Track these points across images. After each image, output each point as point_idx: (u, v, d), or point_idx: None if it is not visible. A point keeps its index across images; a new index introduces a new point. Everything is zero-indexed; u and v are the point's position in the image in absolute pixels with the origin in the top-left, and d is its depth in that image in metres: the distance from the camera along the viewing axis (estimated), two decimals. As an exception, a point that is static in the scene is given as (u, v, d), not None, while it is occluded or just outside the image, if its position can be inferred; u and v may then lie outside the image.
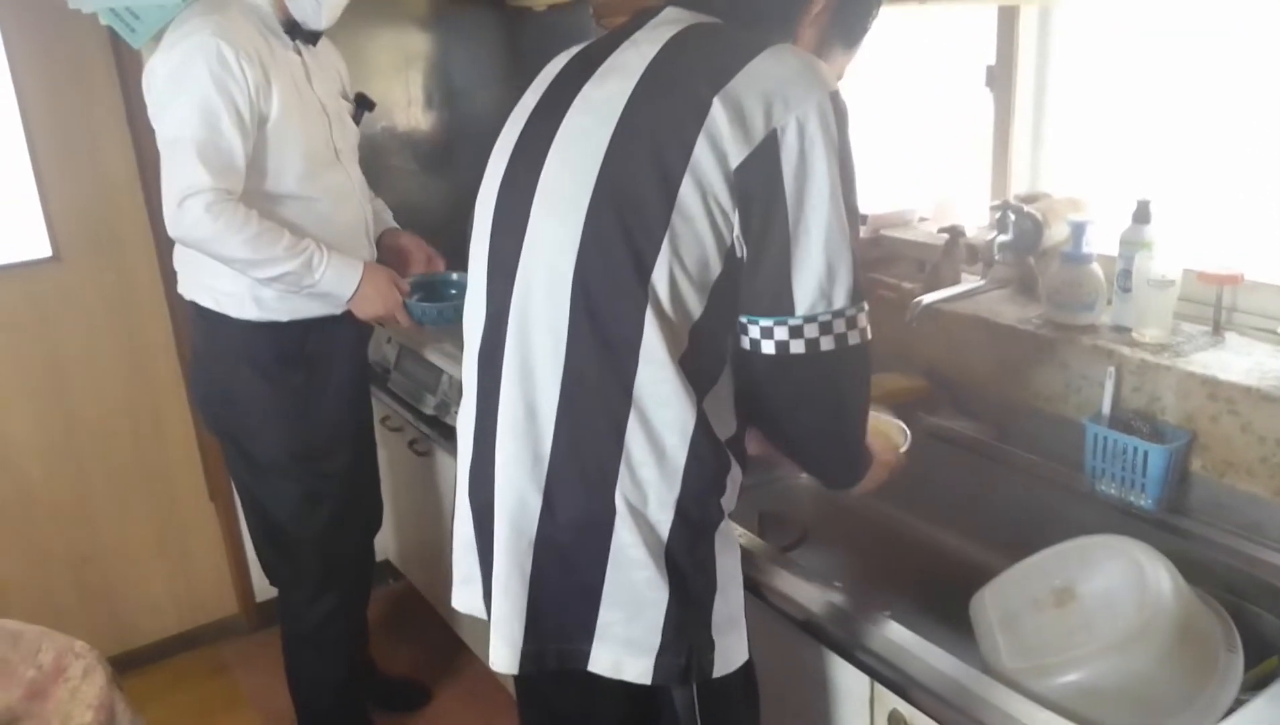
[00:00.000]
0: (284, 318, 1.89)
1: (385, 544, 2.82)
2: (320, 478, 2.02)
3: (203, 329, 1.96)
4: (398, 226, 2.18)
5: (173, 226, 1.73)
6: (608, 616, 1.11)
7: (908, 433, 1.46)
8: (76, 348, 2.45)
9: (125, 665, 2.33)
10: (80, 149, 2.36)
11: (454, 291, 2.10)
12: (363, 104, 2.08)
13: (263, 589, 2.79)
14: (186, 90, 1.69)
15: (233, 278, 1.82)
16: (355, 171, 2.00)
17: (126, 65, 2.33)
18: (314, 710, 2.20)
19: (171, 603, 2.69)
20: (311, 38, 1.91)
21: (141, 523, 2.61)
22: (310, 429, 1.98)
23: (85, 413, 2.49)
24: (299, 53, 1.87)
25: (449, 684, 2.52)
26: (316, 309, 1.90)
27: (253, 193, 1.77)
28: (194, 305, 1.93)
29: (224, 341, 1.92)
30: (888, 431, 1.46)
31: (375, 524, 2.32)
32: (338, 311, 1.91)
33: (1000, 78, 1.85)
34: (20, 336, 2.38)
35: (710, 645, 1.12)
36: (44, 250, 2.38)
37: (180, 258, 1.93)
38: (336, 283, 1.83)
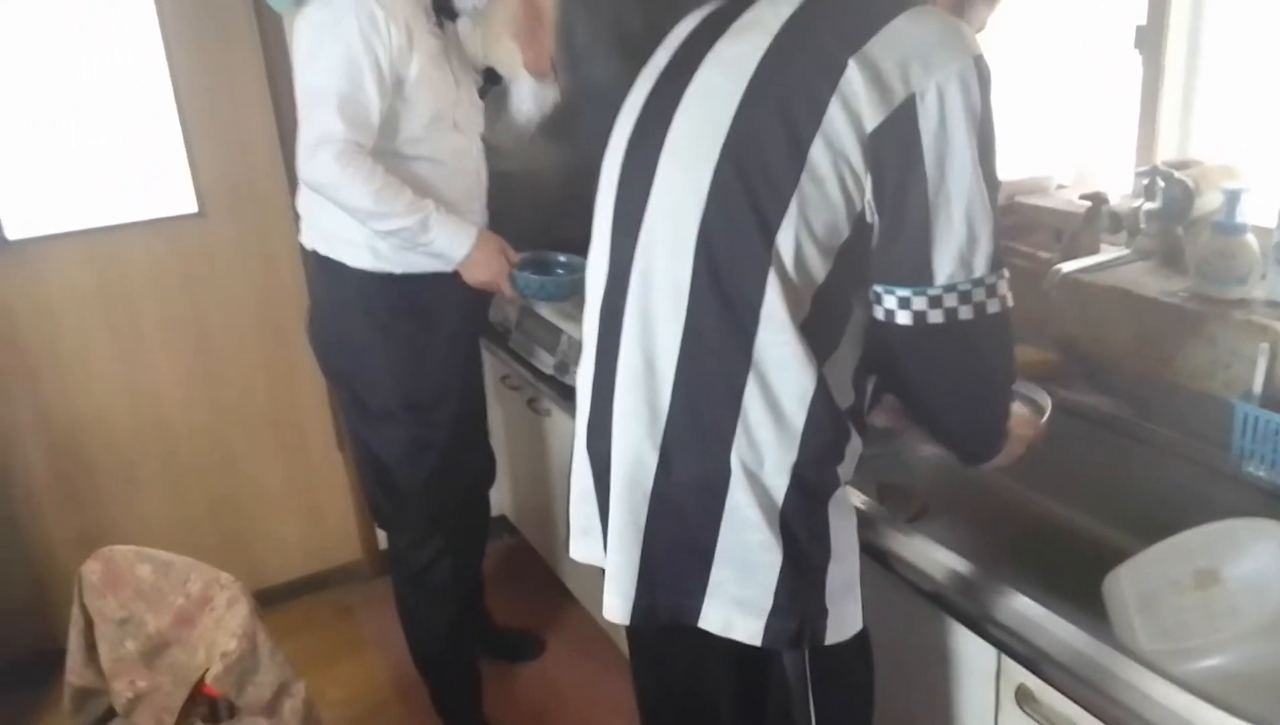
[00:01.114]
0: (398, 270, 1.94)
1: (501, 500, 2.89)
2: (428, 427, 2.06)
3: (321, 278, 2.04)
4: None
5: (303, 169, 1.80)
6: (719, 575, 1.11)
7: (1048, 402, 1.42)
8: (217, 301, 2.57)
9: (259, 604, 2.45)
10: (224, 109, 2.46)
11: (560, 270, 2.15)
12: (490, 79, 2.12)
13: (385, 537, 2.90)
14: (336, 42, 1.75)
15: (353, 227, 1.87)
16: (476, 143, 2.04)
17: (268, 29, 2.42)
18: (424, 653, 2.26)
19: (300, 547, 2.82)
20: (453, 15, 1.98)
21: (274, 470, 2.74)
22: (420, 378, 2.03)
23: (224, 363, 2.61)
24: (441, 26, 1.94)
25: (560, 639, 2.58)
26: (429, 265, 1.94)
27: (381, 148, 1.83)
28: (314, 254, 2.01)
29: (341, 290, 1.98)
30: (1028, 406, 1.43)
31: (487, 477, 2.36)
32: (448, 269, 1.96)
33: (1150, 38, 1.76)
34: (166, 289, 2.50)
35: (824, 612, 1.11)
36: (190, 206, 2.49)
37: (304, 206, 2.00)
38: (449, 244, 1.88)
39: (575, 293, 2.06)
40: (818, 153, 1.01)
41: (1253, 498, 1.41)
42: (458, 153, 1.96)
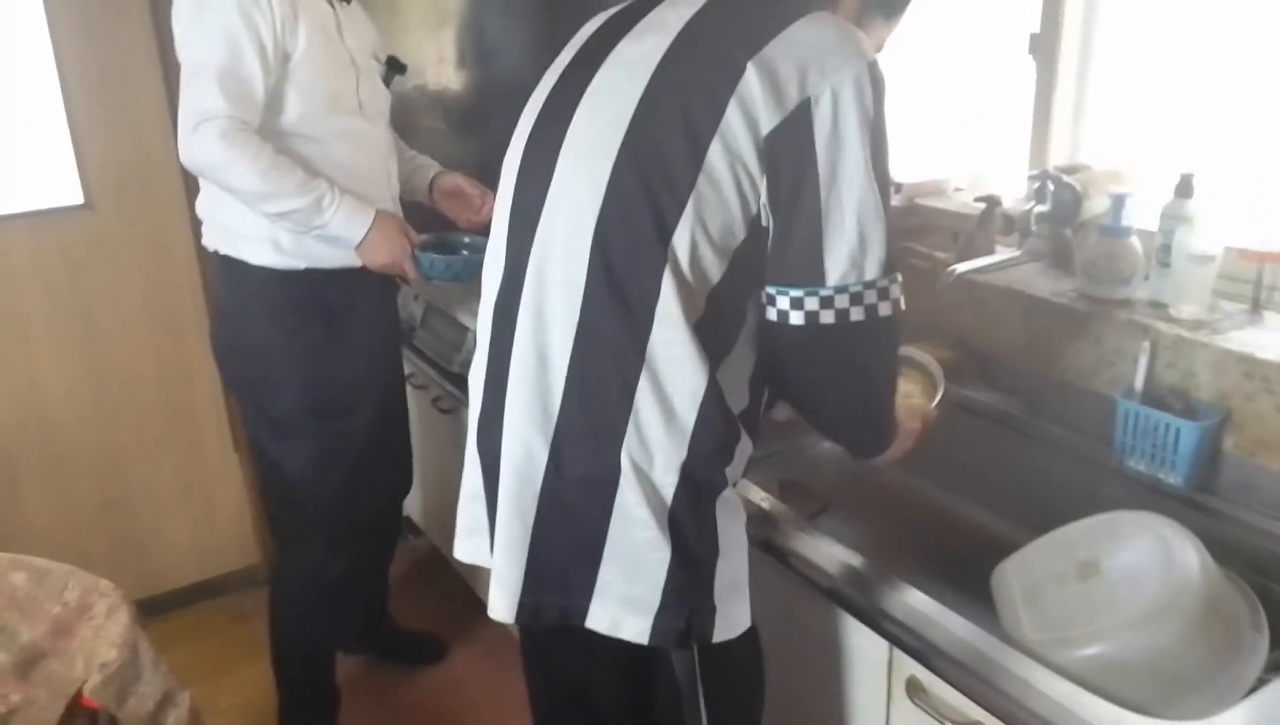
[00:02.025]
0: (301, 265, 1.86)
1: (407, 501, 2.83)
2: (338, 437, 1.98)
3: (223, 279, 1.96)
4: (443, 168, 2.17)
5: (185, 151, 1.72)
6: (608, 574, 1.11)
7: (942, 379, 1.45)
8: (107, 295, 2.47)
9: (147, 611, 2.33)
10: (113, 95, 2.36)
11: (465, 250, 2.06)
12: (394, 67, 2.05)
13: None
14: (213, 16, 1.69)
15: (251, 220, 1.80)
16: (382, 129, 1.97)
17: (161, 9, 2.32)
18: (290, 671, 2.16)
19: (194, 551, 2.73)
20: None
21: (166, 471, 2.64)
22: (329, 385, 1.95)
23: (113, 360, 2.51)
24: (332, 5, 1.86)
25: (465, 642, 2.54)
26: (334, 257, 1.87)
27: (270, 128, 1.76)
28: (215, 255, 1.92)
29: (243, 290, 1.91)
30: (921, 381, 1.45)
31: (402, 489, 2.29)
32: (353, 261, 1.88)
33: (1044, 45, 1.81)
34: (52, 283, 2.39)
35: (712, 610, 1.12)
36: (76, 197, 2.39)
37: (202, 206, 1.92)
38: (345, 226, 1.80)
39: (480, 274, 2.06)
40: (715, 154, 1.02)
41: (1134, 491, 1.47)
42: (359, 138, 1.88)
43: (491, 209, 2.02)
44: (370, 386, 2.02)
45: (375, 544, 2.25)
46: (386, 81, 2.01)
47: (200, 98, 1.68)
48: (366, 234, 1.82)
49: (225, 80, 1.67)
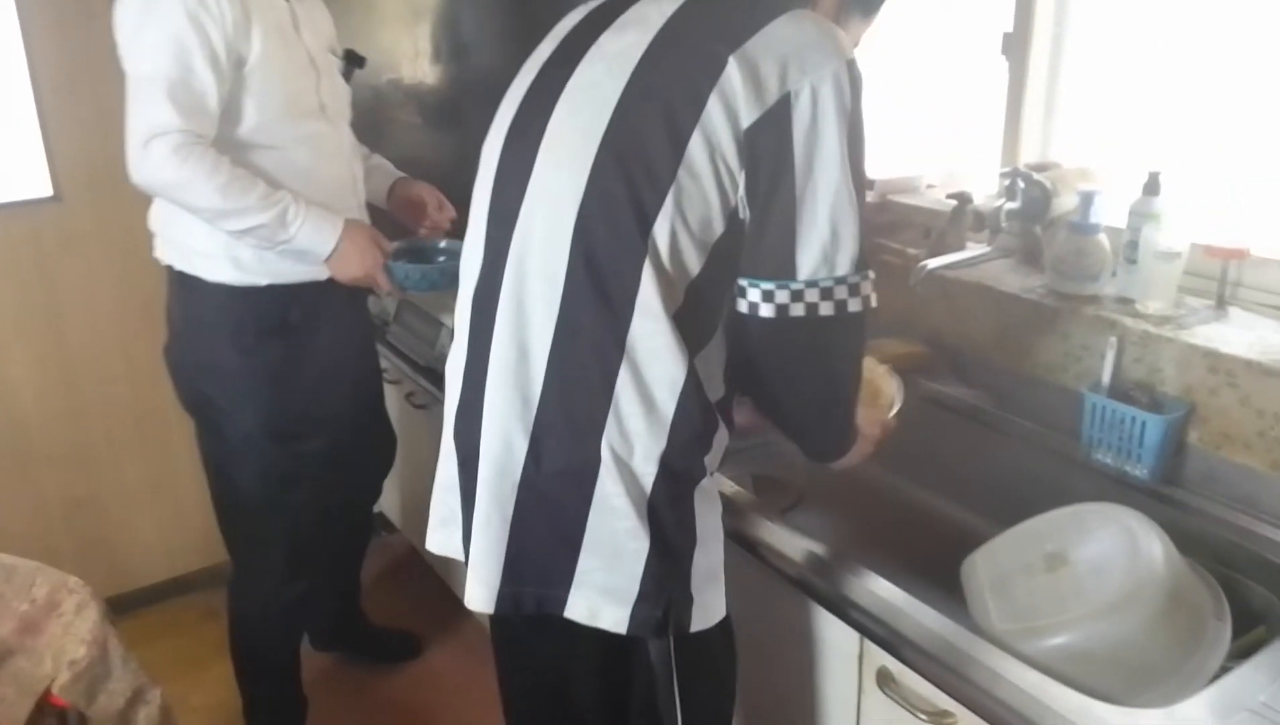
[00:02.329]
0: (263, 281, 1.76)
1: (381, 497, 2.82)
2: (297, 458, 1.89)
3: (179, 295, 1.85)
4: (406, 176, 2.10)
5: (135, 170, 1.62)
6: (587, 563, 1.11)
7: (901, 388, 1.46)
8: (75, 289, 2.44)
9: (118, 608, 2.32)
10: (84, 88, 2.33)
11: (441, 257, 1.97)
12: (353, 60, 1.94)
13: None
14: (158, 24, 1.58)
15: (208, 236, 1.70)
16: (344, 130, 1.88)
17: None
18: (255, 689, 2.12)
19: (164, 548, 2.70)
20: None
21: (136, 468, 2.61)
22: (289, 407, 1.86)
23: (82, 356, 2.48)
24: (287, 1, 1.76)
25: (441, 639, 2.53)
26: (298, 272, 1.77)
27: (227, 139, 1.66)
28: (169, 270, 1.82)
29: (200, 308, 1.80)
30: (880, 387, 1.46)
31: (373, 497, 2.23)
32: (319, 275, 1.78)
33: (1016, 45, 1.83)
34: (19, 276, 2.36)
35: (689, 600, 1.12)
36: (45, 190, 2.36)
37: (155, 218, 1.82)
38: (313, 239, 1.70)
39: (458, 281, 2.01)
40: (696, 147, 1.03)
41: (1101, 483, 1.49)
42: (321, 142, 1.79)
43: (449, 217, 2.00)
44: (335, 405, 1.93)
45: (344, 549, 2.22)
46: (346, 77, 1.92)
47: (150, 112, 1.58)
48: (336, 246, 1.72)
49: (176, 92, 1.57)
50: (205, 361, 1.84)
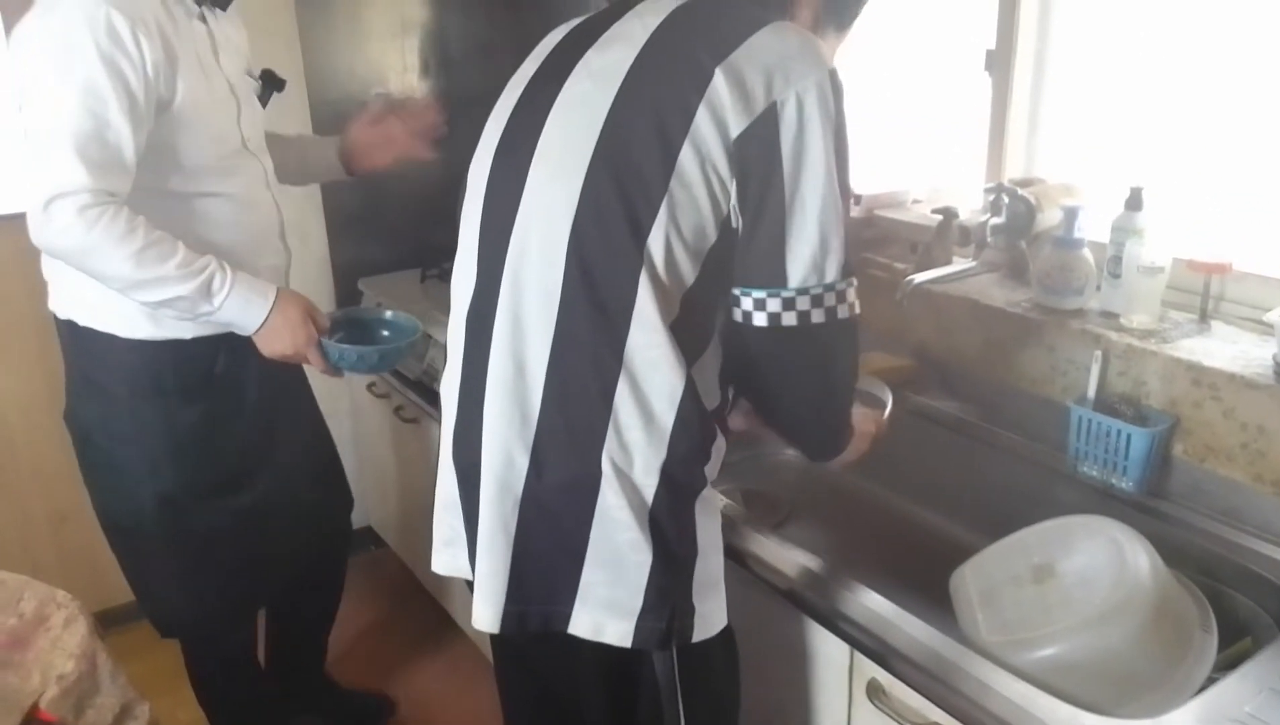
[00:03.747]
0: (188, 335, 1.59)
1: (367, 510, 2.82)
2: (223, 514, 1.75)
3: (83, 351, 1.65)
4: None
5: (36, 233, 1.43)
6: (590, 577, 1.12)
7: (889, 397, 1.47)
8: (63, 303, 2.43)
9: (106, 622, 2.30)
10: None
11: (386, 332, 1.81)
12: (270, 83, 1.77)
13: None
14: (67, 69, 1.38)
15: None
16: (267, 162, 1.71)
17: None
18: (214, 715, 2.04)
19: (152, 563, 2.68)
20: (221, 1, 1.63)
21: (124, 482, 2.59)
22: (215, 463, 1.72)
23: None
24: (205, 21, 1.59)
25: (429, 654, 2.53)
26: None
27: (146, 190, 1.49)
28: (69, 324, 1.63)
29: (112, 366, 1.62)
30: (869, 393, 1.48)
31: (330, 544, 2.07)
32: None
33: (999, 62, 1.85)
34: (4, 290, 2.35)
35: (691, 610, 1.13)
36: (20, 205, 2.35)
37: (49, 267, 1.63)
38: (240, 312, 1.54)
39: (401, 361, 1.85)
40: (686, 158, 1.04)
41: (1087, 496, 1.50)
42: (251, 178, 1.65)
43: (435, 117, 1.89)
44: (270, 455, 1.79)
45: (308, 612, 2.12)
46: (263, 101, 1.76)
47: (54, 168, 1.38)
48: (266, 319, 1.56)
49: (86, 146, 1.38)
50: (118, 427, 1.67)
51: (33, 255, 2.33)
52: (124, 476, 1.71)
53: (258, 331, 1.58)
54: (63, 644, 1.44)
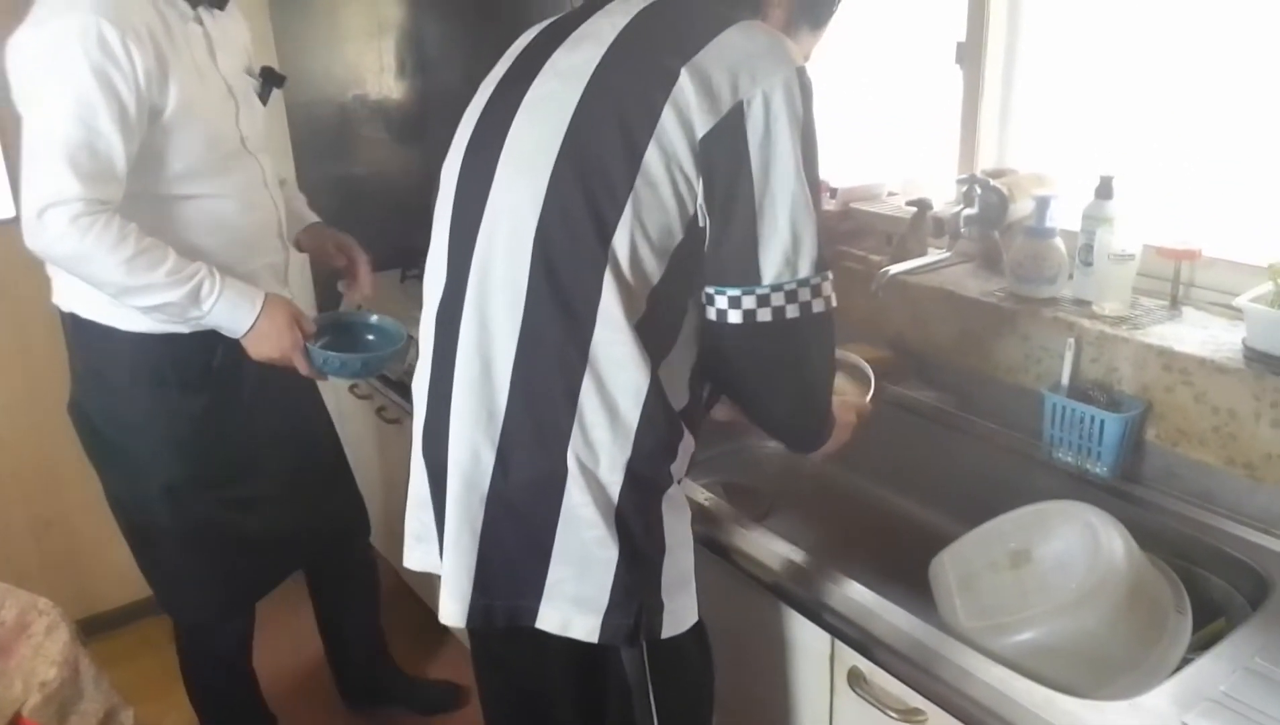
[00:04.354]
0: (185, 329, 1.62)
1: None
2: (224, 507, 1.78)
3: (85, 344, 1.70)
4: (317, 222, 1.97)
5: (31, 239, 1.47)
6: (557, 574, 1.12)
7: (872, 377, 1.48)
8: (40, 307, 2.40)
9: (89, 630, 2.31)
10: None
11: (371, 336, 1.83)
12: (271, 80, 1.79)
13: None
14: (58, 79, 1.42)
15: None
16: (266, 161, 1.73)
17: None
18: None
19: (135, 568, 2.65)
20: (219, 1, 1.65)
21: (106, 488, 2.58)
22: (216, 453, 1.75)
23: (49, 374, 2.44)
24: (201, 23, 1.61)
25: (417, 651, 2.53)
26: None
27: (140, 195, 1.52)
28: (72, 317, 1.68)
29: (112, 357, 1.67)
30: (850, 381, 1.49)
31: (346, 532, 2.10)
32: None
33: (970, 54, 1.86)
34: (-17, 295, 2.35)
35: (660, 606, 1.14)
36: (7, 210, 2.33)
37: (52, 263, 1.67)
38: (228, 316, 1.58)
39: (384, 367, 1.85)
40: (652, 157, 1.04)
41: (1062, 482, 1.52)
42: (248, 180, 1.67)
43: (363, 290, 1.90)
44: (269, 446, 1.82)
45: (343, 599, 2.17)
46: (263, 99, 1.78)
47: (47, 178, 1.43)
48: (254, 323, 1.60)
49: (77, 156, 1.42)
50: (122, 417, 1.71)
51: (9, 261, 2.34)
52: (129, 465, 1.75)
53: (245, 335, 1.62)
54: (45, 651, 1.43)
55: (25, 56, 1.46)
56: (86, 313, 1.65)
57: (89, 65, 1.41)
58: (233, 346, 1.67)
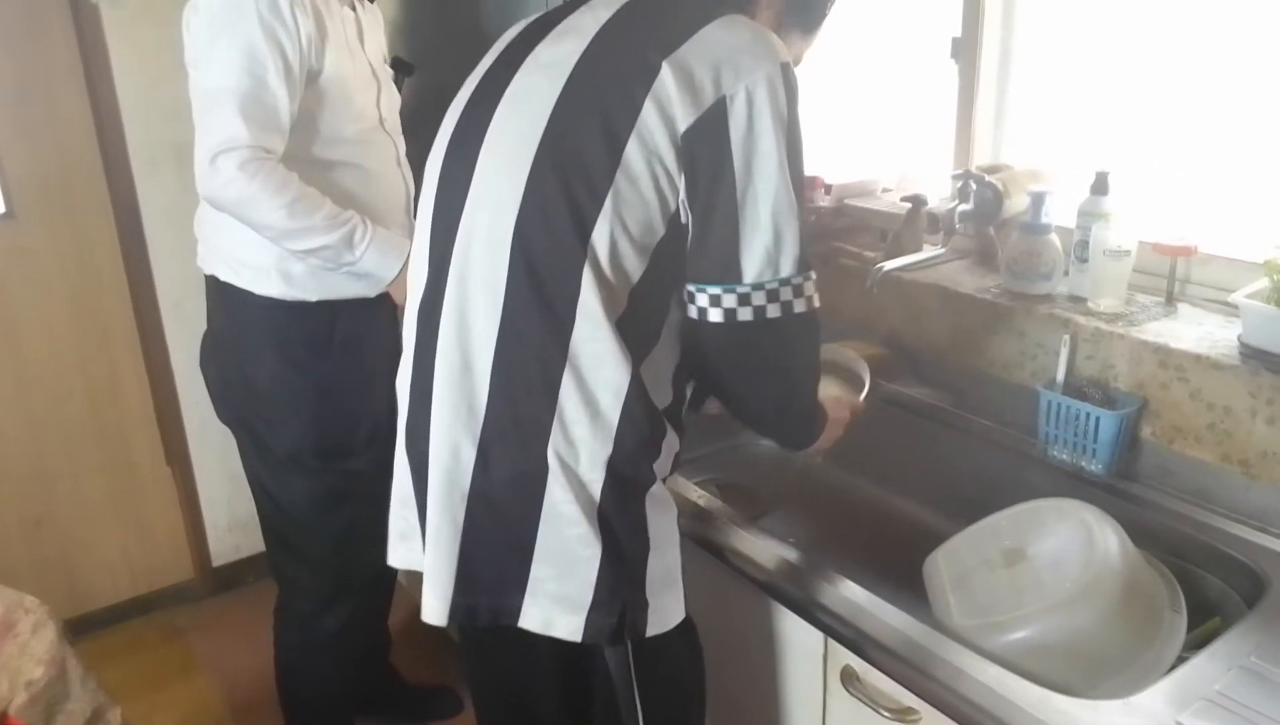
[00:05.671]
0: (313, 297, 1.71)
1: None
2: (346, 476, 1.84)
3: (222, 306, 1.79)
4: None
5: (203, 184, 1.58)
6: (539, 572, 1.11)
7: (866, 374, 1.47)
8: (30, 306, 2.41)
9: (79, 629, 2.30)
10: (36, 107, 2.31)
11: None
12: (401, 68, 1.90)
13: (219, 554, 2.78)
14: (231, 35, 1.54)
15: (259, 249, 1.66)
16: (399, 141, 1.84)
17: (85, 25, 2.30)
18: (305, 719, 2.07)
19: (126, 567, 2.67)
20: None
21: (96, 486, 2.58)
22: (338, 421, 1.81)
23: (39, 373, 2.44)
24: (354, 8, 1.74)
25: (411, 650, 2.51)
26: (351, 289, 1.72)
27: (292, 155, 1.62)
28: (213, 280, 1.77)
29: (246, 321, 1.75)
30: (841, 380, 1.48)
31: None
32: (368, 292, 1.74)
33: (965, 49, 1.86)
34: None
35: (644, 605, 1.13)
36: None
37: (201, 226, 1.78)
38: (378, 262, 1.66)
39: None
40: (632, 151, 1.03)
41: (1057, 479, 1.51)
42: (383, 155, 1.77)
43: None
44: (379, 420, 1.84)
45: (376, 591, 2.14)
46: (398, 85, 1.89)
47: (219, 126, 1.54)
48: (402, 269, 1.67)
49: (246, 105, 1.53)
50: (251, 376, 1.79)
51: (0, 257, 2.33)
52: (253, 428, 1.83)
53: (393, 282, 1.70)
54: (31, 650, 1.43)
55: (202, 17, 1.58)
56: (225, 276, 1.74)
57: (260, 24, 1.53)
58: (354, 320, 1.76)
